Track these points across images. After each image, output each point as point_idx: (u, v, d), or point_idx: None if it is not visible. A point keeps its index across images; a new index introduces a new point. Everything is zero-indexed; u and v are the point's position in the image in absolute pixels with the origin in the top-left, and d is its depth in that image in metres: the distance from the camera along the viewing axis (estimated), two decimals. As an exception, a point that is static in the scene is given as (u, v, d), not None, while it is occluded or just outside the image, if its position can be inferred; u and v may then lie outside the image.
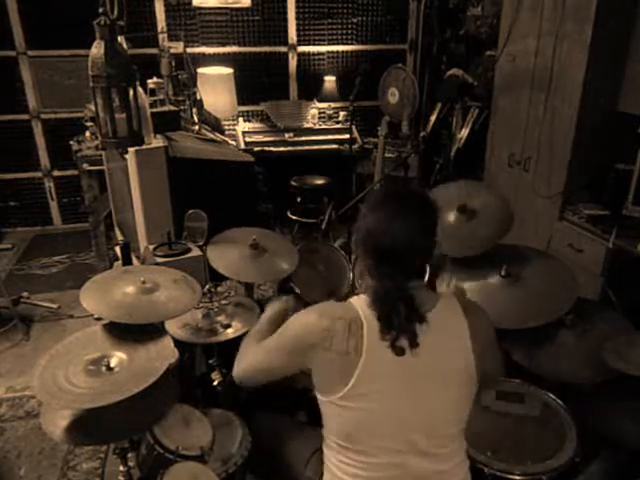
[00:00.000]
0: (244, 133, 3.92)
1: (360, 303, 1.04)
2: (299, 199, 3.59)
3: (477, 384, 1.09)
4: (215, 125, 3.38)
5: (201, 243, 1.98)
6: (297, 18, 4.07)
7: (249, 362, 1.22)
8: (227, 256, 1.88)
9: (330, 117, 4.23)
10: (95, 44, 1.55)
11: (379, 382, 1.00)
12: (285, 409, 1.62)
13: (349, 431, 1.04)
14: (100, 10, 1.52)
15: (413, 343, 0.98)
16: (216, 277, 1.91)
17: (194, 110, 3.08)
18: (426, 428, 1.04)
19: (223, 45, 4.03)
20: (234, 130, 4.00)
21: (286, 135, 3.93)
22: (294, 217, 3.64)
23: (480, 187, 2.21)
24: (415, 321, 0.99)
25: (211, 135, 2.92)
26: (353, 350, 0.98)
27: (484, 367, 1.10)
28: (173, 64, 2.98)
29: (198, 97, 3.28)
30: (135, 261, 2.24)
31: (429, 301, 1.04)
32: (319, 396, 1.08)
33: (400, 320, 0.97)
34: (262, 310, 1.90)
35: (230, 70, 3.83)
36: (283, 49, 4.15)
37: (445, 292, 1.14)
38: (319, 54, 4.22)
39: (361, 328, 0.99)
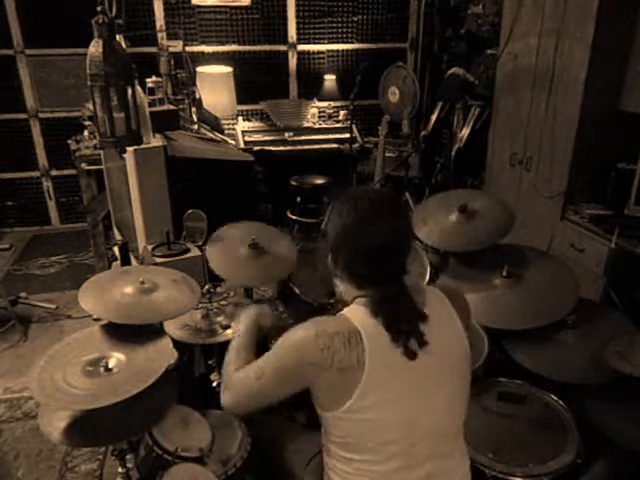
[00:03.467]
0: (243, 132, 3.91)
1: (353, 314, 1.01)
2: (299, 199, 3.57)
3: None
4: (214, 124, 3.37)
5: (200, 243, 1.97)
6: (297, 16, 4.06)
7: (240, 391, 1.09)
8: (227, 258, 1.86)
9: (330, 116, 4.22)
10: (93, 43, 1.54)
11: (384, 390, 0.98)
12: (284, 411, 1.60)
13: (354, 442, 1.02)
14: (98, 8, 1.51)
15: (422, 343, 0.97)
16: (215, 277, 1.89)
17: (193, 109, 3.07)
18: (434, 427, 1.03)
19: (222, 44, 4.01)
20: (233, 129, 3.98)
21: (286, 134, 3.92)
22: (294, 217, 3.63)
23: (479, 193, 2.22)
24: (419, 320, 0.99)
25: (210, 134, 2.91)
26: (355, 363, 0.96)
27: (471, 342, 1.10)
28: (172, 63, 2.97)
29: (197, 96, 3.27)
30: (134, 261, 2.23)
31: (420, 297, 1.04)
32: (319, 411, 1.05)
33: (407, 323, 0.97)
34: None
35: (229, 69, 3.81)
36: (283, 48, 4.13)
37: (427, 286, 1.14)
38: (319, 53, 4.21)
39: (360, 340, 0.97)
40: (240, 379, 1.10)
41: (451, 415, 1.06)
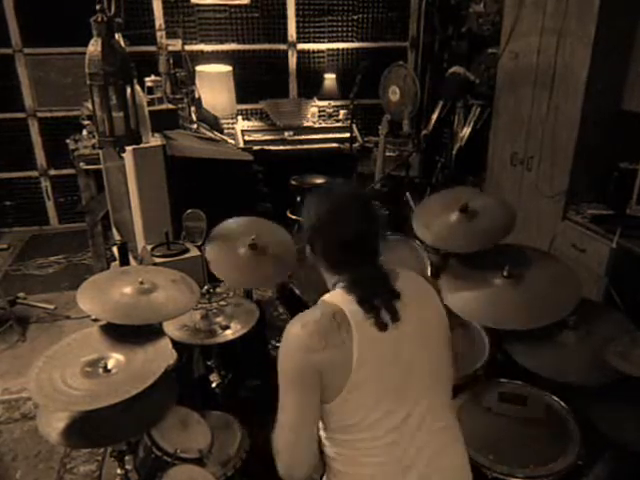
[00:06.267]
0: (243, 132, 3.90)
1: (334, 297, 1.08)
2: (299, 199, 3.56)
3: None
4: (214, 124, 3.36)
5: (199, 243, 1.96)
6: (297, 15, 4.05)
7: (281, 440, 1.05)
8: (226, 259, 1.85)
9: (330, 115, 4.21)
10: (92, 41, 1.53)
11: (374, 360, 1.03)
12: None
13: (353, 422, 1.04)
14: (97, 7, 1.50)
15: (395, 318, 1.04)
16: (215, 278, 1.89)
17: (192, 108, 3.07)
18: (425, 398, 1.07)
19: (222, 42, 4.00)
20: (233, 129, 3.98)
21: (286, 134, 3.91)
22: (294, 217, 3.62)
23: (479, 193, 2.21)
24: (394, 298, 1.06)
25: (210, 134, 2.91)
26: (346, 337, 1.01)
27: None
28: (171, 62, 2.97)
29: (196, 95, 3.27)
30: (133, 261, 2.22)
31: (393, 275, 1.11)
32: (325, 405, 1.05)
33: (381, 300, 1.04)
34: (261, 311, 1.89)
35: (229, 68, 3.80)
36: (283, 46, 4.12)
37: (401, 269, 1.18)
38: (319, 52, 4.20)
39: (345, 316, 1.03)
40: (277, 433, 1.06)
41: (437, 379, 1.11)
